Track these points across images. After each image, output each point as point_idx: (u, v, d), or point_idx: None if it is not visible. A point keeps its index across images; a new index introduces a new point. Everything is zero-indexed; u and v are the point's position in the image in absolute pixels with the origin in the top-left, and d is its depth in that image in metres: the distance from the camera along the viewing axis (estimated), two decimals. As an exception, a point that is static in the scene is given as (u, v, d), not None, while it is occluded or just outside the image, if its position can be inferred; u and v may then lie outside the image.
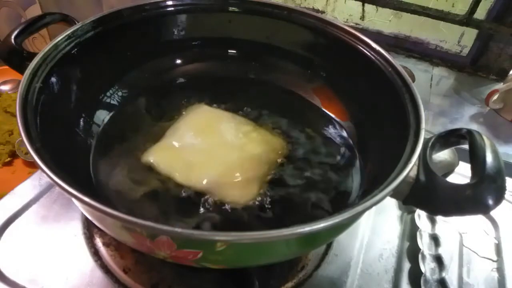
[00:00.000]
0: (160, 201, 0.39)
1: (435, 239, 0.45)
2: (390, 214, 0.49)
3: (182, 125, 0.46)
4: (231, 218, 0.38)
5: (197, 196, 0.39)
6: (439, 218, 0.48)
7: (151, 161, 0.42)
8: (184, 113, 0.49)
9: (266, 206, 0.39)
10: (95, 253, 0.41)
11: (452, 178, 0.49)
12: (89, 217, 0.33)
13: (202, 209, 0.38)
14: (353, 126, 0.48)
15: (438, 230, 0.46)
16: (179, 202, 0.39)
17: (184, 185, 0.40)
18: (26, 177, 0.47)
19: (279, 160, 0.44)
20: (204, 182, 0.40)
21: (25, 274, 0.39)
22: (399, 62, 0.42)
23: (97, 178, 0.40)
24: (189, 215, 0.38)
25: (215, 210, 0.38)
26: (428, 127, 0.65)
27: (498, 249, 0.46)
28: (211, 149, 0.44)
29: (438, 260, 0.43)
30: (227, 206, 0.39)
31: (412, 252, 0.44)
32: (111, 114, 0.47)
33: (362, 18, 0.86)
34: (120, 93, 0.49)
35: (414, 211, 0.48)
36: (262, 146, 0.45)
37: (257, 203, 0.39)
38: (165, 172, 0.41)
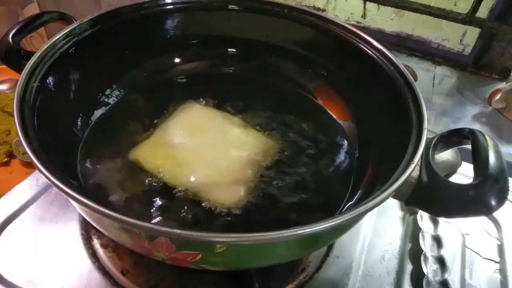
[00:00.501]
0: (149, 200, 0.39)
1: (437, 241, 0.45)
2: (392, 215, 0.48)
3: (171, 124, 0.46)
4: (219, 219, 0.37)
5: (184, 195, 0.39)
6: (441, 219, 0.47)
7: (138, 158, 0.42)
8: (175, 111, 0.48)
9: (255, 208, 0.39)
10: (93, 255, 0.40)
11: (455, 179, 0.48)
12: (87, 218, 0.33)
13: (188, 210, 0.38)
14: (354, 125, 0.48)
15: (441, 231, 0.46)
16: (167, 201, 0.39)
17: (171, 184, 0.40)
18: (23, 178, 0.47)
19: (268, 163, 0.43)
20: (191, 181, 0.40)
21: (23, 275, 0.38)
22: (401, 61, 0.42)
23: (89, 177, 0.40)
24: (176, 215, 0.37)
25: (201, 211, 0.38)
26: (431, 127, 0.64)
27: (501, 250, 0.46)
28: (200, 148, 0.43)
29: (441, 261, 0.43)
30: (213, 207, 0.38)
31: (414, 254, 0.44)
32: (109, 113, 0.47)
33: (364, 16, 0.85)
34: (118, 92, 0.49)
35: (416, 212, 0.48)
36: (253, 147, 0.44)
37: (245, 204, 0.39)
38: (151, 170, 0.41)
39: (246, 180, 0.41)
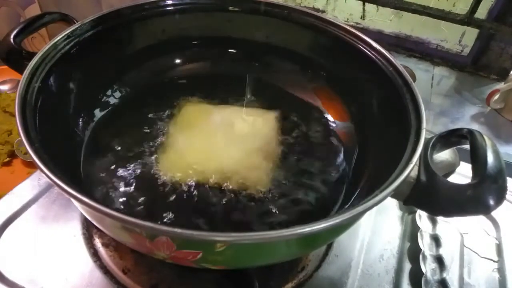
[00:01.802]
0: (153, 197, 0.39)
1: (436, 240, 0.45)
2: (391, 215, 0.48)
3: (183, 126, 0.46)
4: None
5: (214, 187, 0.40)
6: (440, 219, 0.47)
7: (168, 171, 0.41)
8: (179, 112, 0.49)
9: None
10: (94, 254, 0.40)
11: (453, 178, 0.49)
12: (88, 218, 0.33)
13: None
14: (354, 126, 0.48)
15: (439, 231, 0.46)
16: (177, 197, 0.39)
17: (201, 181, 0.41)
18: (25, 177, 0.47)
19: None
20: (224, 173, 0.41)
21: (25, 274, 0.39)
22: (400, 61, 0.42)
23: (90, 176, 0.40)
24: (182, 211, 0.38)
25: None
26: (429, 127, 0.65)
27: (499, 250, 0.46)
28: (221, 141, 0.45)
29: (439, 260, 0.43)
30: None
31: (413, 253, 0.44)
32: (110, 114, 0.47)
33: (363, 17, 0.85)
34: (119, 93, 0.49)
35: (415, 212, 0.48)
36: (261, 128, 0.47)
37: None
38: (183, 179, 0.41)
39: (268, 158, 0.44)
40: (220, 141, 0.45)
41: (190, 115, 0.48)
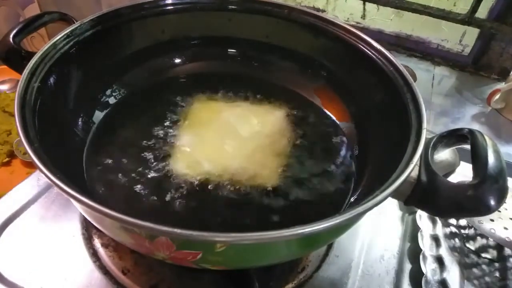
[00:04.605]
0: (156, 193, 0.39)
1: (436, 240, 0.45)
2: (391, 215, 0.48)
3: (190, 126, 0.46)
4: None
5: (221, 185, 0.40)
6: (440, 219, 0.47)
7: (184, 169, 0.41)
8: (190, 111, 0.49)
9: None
10: (94, 254, 0.40)
11: (453, 178, 0.49)
12: (88, 218, 0.33)
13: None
14: (354, 126, 0.48)
15: (439, 231, 0.46)
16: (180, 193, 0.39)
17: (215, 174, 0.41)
18: (24, 177, 0.47)
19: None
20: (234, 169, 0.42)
21: (24, 275, 0.38)
22: (400, 61, 0.42)
23: (90, 176, 0.40)
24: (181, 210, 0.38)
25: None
26: (430, 127, 0.64)
27: (499, 250, 0.46)
28: (233, 138, 0.45)
29: (439, 260, 0.43)
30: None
31: (413, 253, 0.44)
32: (109, 114, 0.47)
33: (363, 17, 0.85)
34: (119, 93, 0.49)
35: (416, 212, 0.48)
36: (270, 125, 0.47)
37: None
38: (198, 175, 0.41)
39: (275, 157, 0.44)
40: (230, 139, 0.45)
41: (199, 113, 0.48)
